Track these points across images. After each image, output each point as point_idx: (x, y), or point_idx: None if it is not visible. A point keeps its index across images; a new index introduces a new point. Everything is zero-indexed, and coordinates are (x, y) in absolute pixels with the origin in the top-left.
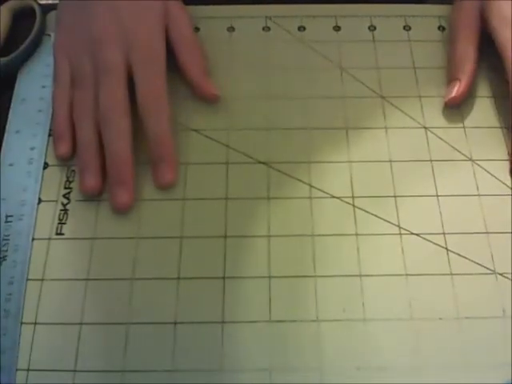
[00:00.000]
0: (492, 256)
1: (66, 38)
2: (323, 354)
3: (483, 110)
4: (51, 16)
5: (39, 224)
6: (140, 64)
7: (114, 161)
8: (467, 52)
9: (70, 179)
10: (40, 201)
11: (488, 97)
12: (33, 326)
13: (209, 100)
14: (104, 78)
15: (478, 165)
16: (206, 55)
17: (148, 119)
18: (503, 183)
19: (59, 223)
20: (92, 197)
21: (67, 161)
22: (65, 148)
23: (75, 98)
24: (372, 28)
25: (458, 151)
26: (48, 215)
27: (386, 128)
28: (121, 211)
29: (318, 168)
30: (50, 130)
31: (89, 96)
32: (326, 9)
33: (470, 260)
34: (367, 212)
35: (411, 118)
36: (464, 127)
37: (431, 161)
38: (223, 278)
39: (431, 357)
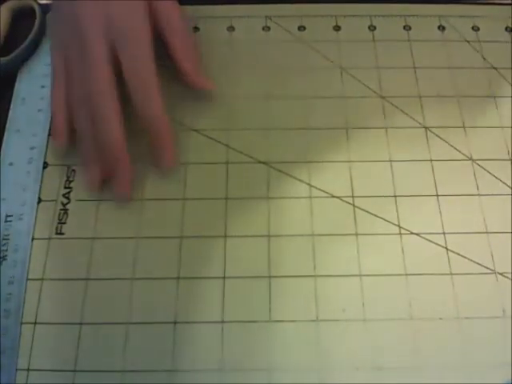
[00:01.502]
0: (492, 256)
1: (58, 37)
2: (323, 354)
3: (483, 109)
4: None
5: (39, 224)
6: (127, 56)
7: (106, 145)
8: None
9: (70, 179)
10: (40, 200)
11: (488, 96)
12: (33, 325)
13: (202, 89)
14: (90, 67)
15: (478, 165)
16: (197, 43)
17: (139, 103)
18: (503, 183)
19: (59, 223)
20: (96, 188)
21: (64, 157)
22: (61, 139)
23: (69, 93)
24: (372, 28)
25: (458, 151)
26: (48, 215)
27: (386, 128)
28: (122, 200)
29: (318, 168)
30: (50, 129)
31: (80, 88)
32: (326, 9)
33: (469, 260)
34: (367, 212)
35: (411, 117)
36: (464, 127)
37: (431, 160)
38: (223, 278)
39: (431, 357)
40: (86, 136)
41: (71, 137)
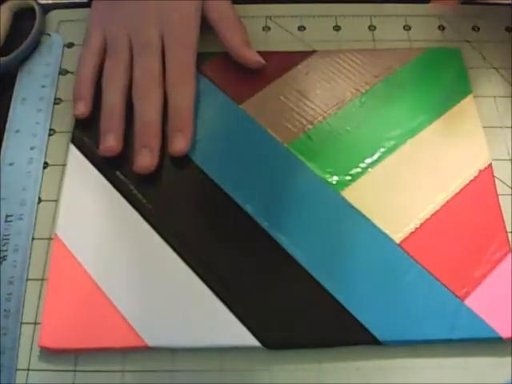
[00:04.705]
0: None
1: (103, 11)
2: (323, 354)
3: (483, 110)
4: (51, 16)
5: (39, 224)
6: (172, 42)
7: (143, 130)
8: None
9: None
10: (40, 200)
11: (488, 96)
12: (33, 326)
13: (252, 66)
14: (141, 52)
15: None
16: (246, 28)
17: (172, 93)
18: (503, 183)
19: None
20: (110, 157)
21: (64, 157)
22: (84, 108)
23: (107, 65)
24: (372, 28)
25: None
26: (48, 215)
27: None
28: (143, 172)
29: None
30: (50, 129)
31: (121, 65)
32: (326, 9)
33: None
34: None
35: None
36: None
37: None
38: None
39: (431, 357)
40: (115, 110)
41: (92, 106)
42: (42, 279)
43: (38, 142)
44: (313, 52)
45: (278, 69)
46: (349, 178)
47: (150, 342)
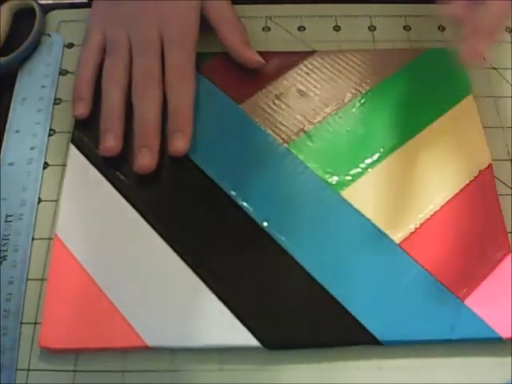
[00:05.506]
0: None
1: (103, 11)
2: (323, 354)
3: (483, 110)
4: (51, 16)
5: (39, 224)
6: (171, 42)
7: (143, 130)
8: None
9: None
10: (40, 200)
11: (488, 96)
12: (33, 325)
13: (252, 66)
14: (141, 53)
15: None
16: (246, 28)
17: (172, 93)
18: (503, 183)
19: None
20: (110, 157)
21: (64, 157)
22: (83, 109)
23: (107, 64)
24: (372, 28)
25: None
26: (48, 215)
27: None
28: (143, 172)
29: None
30: (50, 129)
31: (121, 64)
32: (326, 9)
33: None
34: None
35: None
36: None
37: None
38: None
39: (431, 357)
40: (115, 110)
41: (92, 106)
42: (42, 279)
43: (38, 142)
44: (313, 52)
45: (278, 69)
46: (349, 178)
47: (150, 342)
